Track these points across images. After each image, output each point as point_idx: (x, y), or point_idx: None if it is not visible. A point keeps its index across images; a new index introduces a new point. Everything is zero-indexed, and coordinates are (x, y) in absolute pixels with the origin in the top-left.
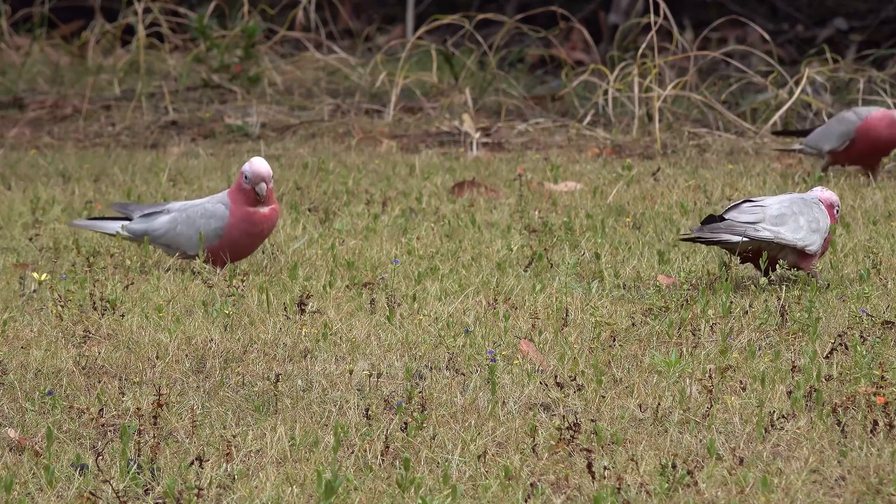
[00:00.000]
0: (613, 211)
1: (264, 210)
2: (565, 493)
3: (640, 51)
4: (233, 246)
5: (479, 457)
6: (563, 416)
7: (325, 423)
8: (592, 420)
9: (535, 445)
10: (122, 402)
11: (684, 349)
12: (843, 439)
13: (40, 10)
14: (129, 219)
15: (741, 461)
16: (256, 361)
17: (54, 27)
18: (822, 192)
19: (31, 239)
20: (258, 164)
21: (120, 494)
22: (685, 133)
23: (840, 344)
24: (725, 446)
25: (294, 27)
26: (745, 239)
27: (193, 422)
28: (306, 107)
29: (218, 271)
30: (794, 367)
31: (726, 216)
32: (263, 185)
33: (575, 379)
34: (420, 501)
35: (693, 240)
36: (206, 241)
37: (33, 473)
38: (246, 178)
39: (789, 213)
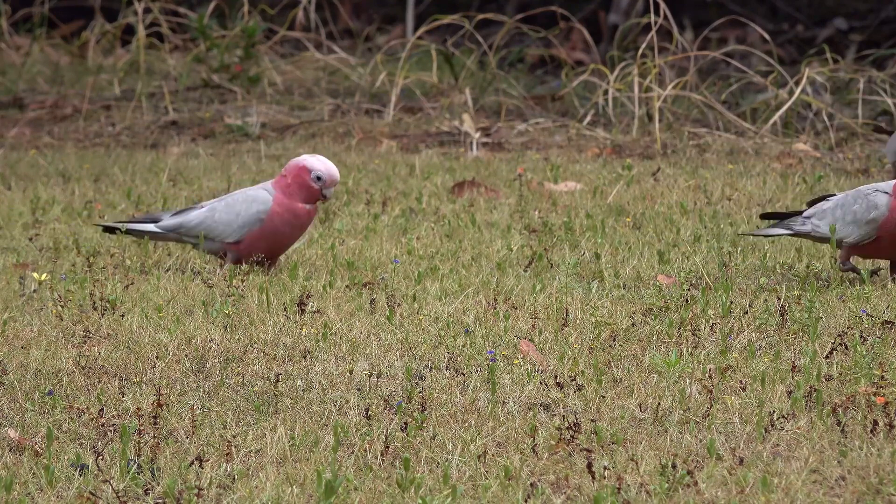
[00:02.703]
0: (613, 211)
1: (308, 206)
2: (565, 493)
3: (640, 51)
4: (273, 234)
5: (479, 457)
6: (563, 416)
7: (325, 423)
8: (592, 420)
9: (535, 445)
10: (122, 402)
11: (684, 349)
12: (843, 439)
13: (40, 10)
14: (157, 220)
15: (741, 461)
16: (256, 361)
17: (54, 27)
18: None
19: (31, 239)
20: (334, 169)
21: (120, 494)
22: (685, 133)
23: (840, 344)
24: (725, 446)
25: (294, 27)
26: (789, 232)
27: (193, 422)
28: (306, 107)
29: (242, 266)
30: (794, 367)
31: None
32: (333, 189)
33: (575, 379)
34: (420, 501)
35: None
36: (247, 226)
37: (33, 473)
38: (319, 178)
39: (831, 208)
